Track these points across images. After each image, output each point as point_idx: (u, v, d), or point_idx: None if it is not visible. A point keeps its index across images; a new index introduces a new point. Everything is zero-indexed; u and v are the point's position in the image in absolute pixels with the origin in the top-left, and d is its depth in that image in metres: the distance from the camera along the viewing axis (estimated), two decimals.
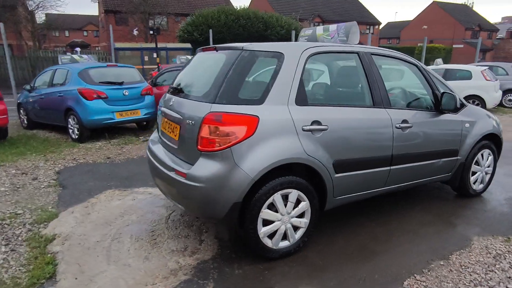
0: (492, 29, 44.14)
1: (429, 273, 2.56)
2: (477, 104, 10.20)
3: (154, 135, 3.54)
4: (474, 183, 3.90)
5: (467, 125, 3.60)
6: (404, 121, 3.11)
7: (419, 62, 3.48)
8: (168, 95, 3.21)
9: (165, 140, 3.05)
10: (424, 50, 16.20)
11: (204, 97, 2.56)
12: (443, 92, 3.33)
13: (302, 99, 2.64)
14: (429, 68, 5.18)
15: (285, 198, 2.62)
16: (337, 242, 2.99)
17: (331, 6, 37.70)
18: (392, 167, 3.11)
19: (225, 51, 2.78)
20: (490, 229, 3.25)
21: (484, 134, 3.74)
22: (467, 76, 10.70)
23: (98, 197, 4.04)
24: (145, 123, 7.83)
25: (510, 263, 2.69)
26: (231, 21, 22.44)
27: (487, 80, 10.48)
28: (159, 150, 3.09)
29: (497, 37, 43.21)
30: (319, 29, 3.67)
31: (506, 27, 44.53)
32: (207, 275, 2.53)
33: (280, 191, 2.55)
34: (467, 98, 10.41)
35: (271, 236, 2.65)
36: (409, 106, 3.30)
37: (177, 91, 3.03)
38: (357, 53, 3.04)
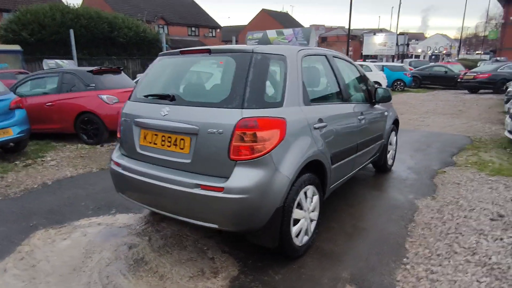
0: None
1: (414, 230, 3.15)
2: None
3: (118, 152, 3.00)
4: (389, 159, 4.87)
5: (386, 113, 4.47)
6: (361, 113, 3.64)
7: (355, 62, 4.10)
8: (145, 104, 2.80)
9: (156, 155, 2.66)
10: None
11: (227, 103, 2.39)
12: (376, 87, 4.04)
13: (306, 99, 2.78)
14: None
15: (305, 195, 2.72)
16: (333, 228, 3.28)
17: (173, 9, 37.59)
18: (357, 154, 3.60)
19: (228, 54, 2.63)
20: (413, 192, 4.18)
21: (394, 119, 4.72)
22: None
23: (29, 242, 3.12)
24: (12, 144, 6.22)
25: (451, 214, 3.57)
26: (70, 20, 19.66)
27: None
28: (146, 167, 2.67)
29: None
30: (271, 33, 3.83)
31: (318, 33, 54.11)
32: None
33: (303, 189, 2.64)
34: None
35: (297, 234, 2.71)
36: (357, 100, 3.87)
37: (164, 98, 2.68)
38: (325, 55, 3.37)
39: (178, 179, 2.44)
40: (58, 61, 7.65)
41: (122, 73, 7.81)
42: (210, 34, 41.54)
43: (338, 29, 59.52)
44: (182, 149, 2.51)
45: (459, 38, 62.89)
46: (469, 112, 11.01)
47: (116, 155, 3.00)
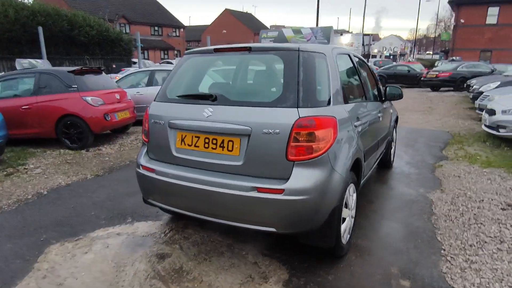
0: None
1: (437, 222, 3.26)
2: None
3: (146, 157, 2.82)
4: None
5: (391, 110, 4.60)
6: (379, 111, 3.72)
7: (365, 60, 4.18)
8: (181, 105, 2.66)
9: (197, 158, 2.52)
10: None
11: (280, 103, 2.32)
12: (387, 86, 4.14)
13: (345, 97, 2.78)
14: None
15: (348, 192, 2.72)
16: (363, 224, 3.31)
17: (134, 8, 36.32)
18: (377, 150, 3.67)
19: (272, 52, 2.55)
20: (421, 186, 4.34)
21: (396, 116, 4.87)
22: None
23: (46, 259, 2.85)
24: None
25: (464, 205, 3.75)
26: (25, 17, 18.35)
27: None
28: (187, 171, 2.53)
29: None
30: (287, 31, 3.80)
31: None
32: None
33: (348, 187, 2.64)
34: None
35: (343, 233, 2.70)
36: (374, 98, 3.94)
37: (205, 99, 2.56)
38: (348, 54, 3.39)
39: (231, 183, 2.33)
40: (32, 60, 7.10)
41: (103, 73, 7.41)
42: (174, 34, 40.63)
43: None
44: (230, 151, 2.41)
45: (411, 39, 66.78)
46: (439, 109, 11.65)
47: (144, 160, 2.82)
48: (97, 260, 2.80)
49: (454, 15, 37.32)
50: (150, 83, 8.67)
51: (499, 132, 6.45)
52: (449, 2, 32.02)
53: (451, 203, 3.80)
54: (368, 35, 35.52)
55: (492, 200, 3.87)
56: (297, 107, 2.28)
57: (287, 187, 2.21)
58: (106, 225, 3.38)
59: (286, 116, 2.26)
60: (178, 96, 2.74)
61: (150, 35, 36.71)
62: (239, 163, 2.37)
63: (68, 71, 6.51)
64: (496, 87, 9.97)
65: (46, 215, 3.62)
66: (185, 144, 2.59)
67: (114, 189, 4.33)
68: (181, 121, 2.58)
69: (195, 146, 2.55)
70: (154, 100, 2.88)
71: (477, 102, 9.15)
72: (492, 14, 29.71)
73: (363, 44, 31.02)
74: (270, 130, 2.27)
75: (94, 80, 6.87)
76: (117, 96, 7.04)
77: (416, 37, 45.94)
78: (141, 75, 9.18)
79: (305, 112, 2.27)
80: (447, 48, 36.91)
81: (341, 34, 34.85)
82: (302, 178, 2.23)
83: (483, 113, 7.18)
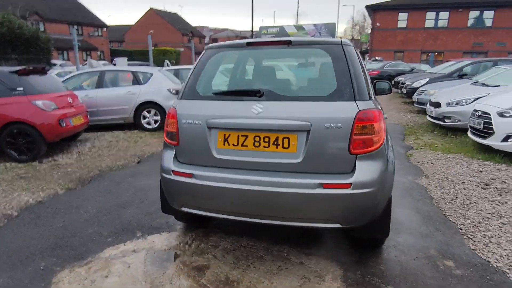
0: (201, 35, 52.83)
1: (440, 205, 3.54)
2: None
3: (175, 162, 2.56)
4: None
5: None
6: None
7: None
8: (220, 102, 2.48)
9: (246, 159, 2.36)
10: (151, 52, 16.32)
11: (338, 96, 2.29)
12: (376, 81, 4.34)
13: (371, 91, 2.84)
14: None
15: None
16: None
17: (49, 4, 32.82)
18: None
19: (316, 46, 2.51)
20: (407, 174, 4.68)
21: None
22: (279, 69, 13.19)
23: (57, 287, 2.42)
24: None
25: (453, 188, 4.11)
26: None
27: None
28: (237, 173, 2.36)
29: (205, 42, 52.20)
30: (289, 28, 3.75)
31: (209, 34, 54.52)
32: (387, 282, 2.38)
33: None
34: None
35: None
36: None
37: (250, 95, 2.41)
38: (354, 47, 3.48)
39: (293, 181, 2.23)
40: None
41: (49, 73, 6.55)
42: (96, 33, 37.71)
43: (227, 30, 60.95)
44: (286, 148, 2.30)
45: None
46: None
47: (174, 165, 2.55)
48: (126, 283, 2.46)
49: (369, 18, 40.94)
50: (100, 85, 7.91)
51: (445, 122, 7.24)
52: (366, 7, 35.01)
53: (440, 187, 4.15)
54: None
55: (470, 181, 4.32)
56: (355, 100, 2.27)
57: (354, 181, 2.19)
58: (114, 243, 2.98)
59: (347, 110, 2.24)
60: (215, 93, 2.53)
61: (69, 34, 33.54)
62: (298, 160, 2.28)
63: (10, 72, 5.62)
64: (426, 83, 11.18)
65: (33, 239, 3.06)
66: (229, 144, 2.41)
67: (101, 202, 3.84)
68: (224, 120, 2.39)
69: (242, 145, 2.38)
70: (180, 98, 2.62)
71: (415, 96, 10.15)
72: (402, 19, 33.26)
73: None
74: (332, 125, 2.22)
75: (42, 81, 6.03)
76: (69, 99, 6.29)
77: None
78: (86, 76, 8.33)
79: (362, 105, 2.27)
80: (367, 48, 40.19)
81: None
82: (367, 171, 2.23)
83: (428, 105, 7.99)
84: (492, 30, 30.04)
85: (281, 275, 2.50)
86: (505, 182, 4.25)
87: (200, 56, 2.72)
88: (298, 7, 48.48)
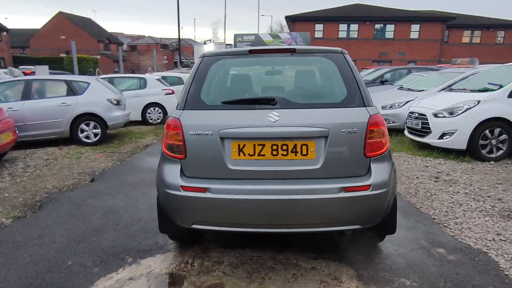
0: (119, 42, 49.86)
1: (406, 198, 3.90)
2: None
3: (182, 177, 2.39)
4: None
5: None
6: None
7: None
8: (231, 112, 2.40)
9: (263, 168, 2.32)
10: (75, 60, 15.41)
11: (349, 102, 2.39)
12: None
13: None
14: None
15: None
16: None
17: None
18: None
19: (319, 54, 2.57)
20: None
21: None
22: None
23: None
24: None
25: (411, 182, 4.55)
26: None
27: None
28: (255, 184, 2.30)
29: (124, 49, 49.41)
30: (264, 36, 3.81)
31: (127, 41, 51.79)
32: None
33: None
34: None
35: None
36: None
37: (264, 103, 2.38)
38: None
39: (316, 187, 2.25)
40: None
41: None
42: None
43: (146, 37, 58.69)
44: (305, 155, 2.31)
45: None
46: None
47: (183, 180, 2.37)
48: None
49: (287, 28, 43.18)
50: (26, 96, 6.96)
51: (388, 124, 7.98)
52: (285, 18, 36.89)
53: (401, 183, 4.56)
54: (229, 44, 37.40)
55: (422, 176, 4.84)
56: (365, 106, 2.39)
57: (372, 182, 2.30)
58: (104, 273, 2.65)
59: (359, 115, 2.35)
60: (225, 102, 2.43)
61: None
62: (317, 166, 2.31)
63: None
64: None
65: (2, 282, 2.56)
66: (244, 155, 2.33)
67: (67, 228, 3.38)
68: (239, 130, 2.31)
69: (259, 155, 2.32)
70: (182, 109, 2.46)
71: None
72: (319, 30, 35.82)
73: None
74: (348, 130, 2.30)
75: None
76: None
77: None
78: (6, 86, 7.25)
79: (371, 110, 2.40)
80: None
81: (205, 43, 35.77)
82: (381, 172, 2.36)
83: None
84: (394, 41, 34.02)
85: (299, 282, 2.49)
86: (449, 175, 4.85)
87: (197, 64, 2.59)
88: (225, 16, 48.77)
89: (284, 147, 2.31)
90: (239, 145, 2.33)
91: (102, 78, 9.63)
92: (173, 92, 10.26)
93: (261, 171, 2.32)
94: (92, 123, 7.18)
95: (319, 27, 35.82)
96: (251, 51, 2.56)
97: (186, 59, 43.89)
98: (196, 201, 2.33)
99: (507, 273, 2.54)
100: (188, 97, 2.48)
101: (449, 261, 2.71)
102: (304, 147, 2.31)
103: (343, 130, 2.30)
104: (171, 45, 51.03)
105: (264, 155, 2.32)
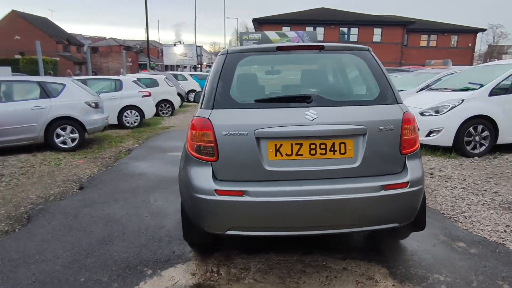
0: (79, 43, 47.58)
1: None
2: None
3: (214, 179, 2.25)
4: None
5: None
6: None
7: None
8: (266, 110, 2.30)
9: (302, 168, 2.24)
10: (40, 61, 14.34)
11: (383, 100, 2.36)
12: None
13: None
14: None
15: None
16: None
17: None
18: None
19: (348, 51, 2.52)
20: None
21: None
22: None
23: None
24: None
25: None
26: None
27: (169, 86, 12.55)
28: (295, 185, 2.21)
29: (84, 51, 47.24)
30: (271, 34, 3.74)
31: (88, 43, 49.54)
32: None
33: None
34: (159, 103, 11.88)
35: None
36: None
37: (299, 101, 2.29)
38: None
39: (357, 186, 2.20)
40: None
41: None
42: None
43: (109, 39, 56.56)
44: (343, 154, 2.25)
45: (213, 51, 73.56)
46: None
47: (217, 184, 2.23)
48: None
49: (254, 31, 43.35)
50: None
51: None
52: (253, 20, 37.03)
53: None
54: (199, 46, 36.83)
55: None
56: (398, 103, 2.38)
57: (410, 179, 2.28)
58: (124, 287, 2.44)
59: (394, 112, 2.33)
60: (258, 101, 2.31)
61: None
62: (355, 165, 2.26)
63: None
64: None
65: None
66: (281, 155, 2.23)
67: (69, 241, 3.09)
68: (276, 129, 2.20)
69: (297, 155, 2.23)
70: (211, 108, 2.31)
71: None
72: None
73: (197, 55, 32.12)
74: (385, 127, 2.28)
75: None
76: None
77: (218, 50, 50.36)
78: None
79: (403, 107, 2.39)
80: None
81: (174, 45, 34.89)
82: (416, 169, 2.35)
83: None
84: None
85: (335, 284, 2.43)
86: (442, 170, 5.03)
87: (222, 61, 2.46)
88: (195, 17, 47.42)
89: (323, 146, 2.24)
90: (275, 145, 2.23)
91: (77, 79, 9.10)
92: (150, 95, 9.90)
93: (299, 171, 2.24)
94: (69, 128, 6.73)
95: (286, 29, 36.31)
96: (279, 48, 2.47)
97: (152, 62, 42.72)
98: (232, 206, 2.20)
99: None
100: (216, 96, 2.34)
101: (473, 254, 2.77)
102: (342, 146, 2.26)
103: (380, 128, 2.27)
104: (135, 47, 49.52)
105: (302, 154, 2.24)
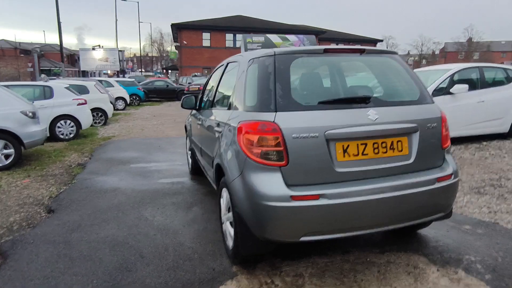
0: None
1: None
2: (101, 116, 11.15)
3: (284, 185, 2.17)
4: None
5: None
6: None
7: None
8: (330, 112, 2.30)
9: (367, 167, 2.29)
10: None
11: (423, 99, 2.56)
12: None
13: None
14: None
15: None
16: None
17: None
18: None
19: (384, 54, 2.65)
20: None
21: None
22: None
23: None
24: None
25: None
26: None
27: (101, 93, 11.50)
28: (364, 184, 2.25)
29: None
30: (273, 38, 3.73)
31: None
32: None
33: None
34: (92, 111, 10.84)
35: None
36: None
37: (358, 102, 2.35)
38: None
39: (417, 181, 2.33)
40: None
41: None
42: None
43: (1, 41, 49.25)
44: (400, 151, 2.37)
45: (130, 56, 69.64)
46: None
47: (291, 190, 2.14)
48: None
49: (172, 36, 42.28)
50: None
51: None
52: (172, 25, 36.06)
53: None
54: (121, 51, 34.06)
55: None
56: (432, 103, 2.60)
57: (453, 171, 2.50)
58: None
59: (435, 111, 2.54)
60: (321, 102, 2.28)
61: None
62: (410, 161, 2.39)
63: None
64: None
65: None
66: (349, 155, 2.25)
67: (78, 273, 2.61)
68: (344, 130, 2.21)
69: (362, 154, 2.27)
70: (274, 111, 2.21)
71: None
72: (206, 38, 36.21)
73: (120, 60, 29.58)
74: (433, 124, 2.46)
75: None
76: None
77: (141, 55, 48.36)
78: None
79: (439, 106, 2.62)
80: (170, 65, 41.12)
81: (93, 49, 31.54)
82: (452, 162, 2.59)
83: None
84: None
85: (391, 277, 2.52)
86: None
87: (272, 62, 2.37)
88: (116, 20, 43.29)
89: (384, 145, 2.33)
90: (343, 146, 2.24)
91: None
92: (86, 102, 8.92)
93: (366, 170, 2.28)
94: (1, 142, 5.69)
95: (206, 35, 36.22)
96: (326, 50, 2.49)
97: (56, 67, 38.42)
98: (309, 211, 2.13)
99: None
100: (277, 98, 2.25)
101: (481, 234, 3.14)
102: (399, 143, 2.37)
103: (428, 125, 2.45)
104: (34, 51, 43.89)
105: (367, 154, 2.29)
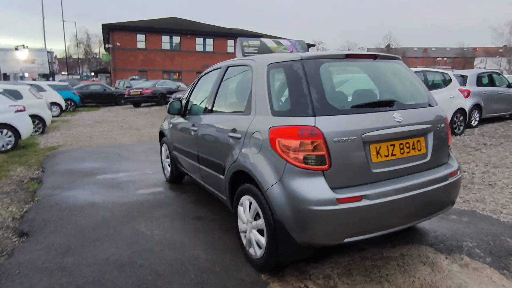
0: None
1: None
2: None
3: (328, 188, 2.20)
4: None
5: None
6: None
7: None
8: (363, 115, 2.39)
9: (396, 167, 2.43)
10: None
11: (430, 102, 2.78)
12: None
13: None
14: None
15: None
16: None
17: None
18: None
19: (393, 60, 2.82)
20: None
21: None
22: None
23: None
24: None
25: None
26: None
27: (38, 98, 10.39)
28: (395, 183, 2.37)
29: None
30: (268, 42, 3.74)
31: None
32: None
33: None
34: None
35: None
36: None
37: (384, 105, 2.47)
38: None
39: (435, 177, 2.53)
40: None
41: None
42: None
43: None
44: (419, 150, 2.54)
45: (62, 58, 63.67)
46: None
47: (336, 193, 2.17)
48: None
49: (101, 37, 39.67)
50: None
51: None
52: (102, 26, 33.80)
53: None
54: (50, 52, 30.47)
55: None
56: (436, 105, 2.84)
57: (458, 167, 2.76)
58: None
59: (440, 113, 2.77)
60: (354, 106, 2.34)
61: None
62: (427, 159, 2.58)
63: None
64: None
65: None
66: (381, 156, 2.36)
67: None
68: (378, 132, 2.31)
69: (391, 155, 2.40)
70: (312, 115, 2.22)
71: None
72: (141, 40, 34.62)
73: (49, 62, 26.45)
74: (441, 125, 2.69)
75: None
76: None
77: (67, 57, 44.21)
78: None
79: (442, 108, 2.87)
80: (99, 67, 38.52)
81: (16, 49, 27.65)
82: (455, 158, 2.85)
83: None
84: (214, 55, 36.53)
85: (411, 270, 2.68)
86: None
87: (300, 67, 2.39)
88: (43, 18, 38.46)
89: (407, 145, 2.48)
90: (376, 148, 2.34)
91: None
92: (24, 109, 7.96)
93: (395, 170, 2.41)
94: None
95: (141, 37, 34.66)
96: (347, 55, 2.57)
97: None
98: (353, 212, 2.19)
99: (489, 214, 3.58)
100: (314, 102, 2.27)
101: (467, 222, 3.50)
102: (418, 143, 2.55)
103: (438, 125, 2.67)
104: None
105: (395, 154, 2.42)
